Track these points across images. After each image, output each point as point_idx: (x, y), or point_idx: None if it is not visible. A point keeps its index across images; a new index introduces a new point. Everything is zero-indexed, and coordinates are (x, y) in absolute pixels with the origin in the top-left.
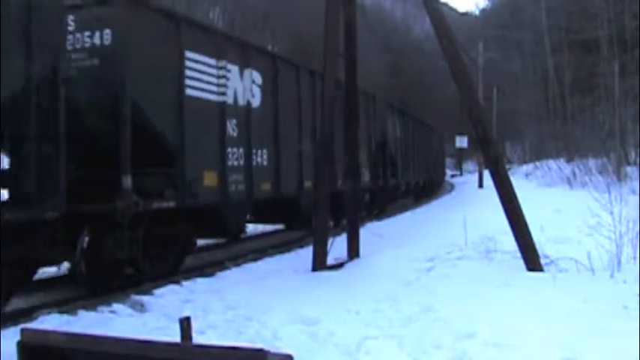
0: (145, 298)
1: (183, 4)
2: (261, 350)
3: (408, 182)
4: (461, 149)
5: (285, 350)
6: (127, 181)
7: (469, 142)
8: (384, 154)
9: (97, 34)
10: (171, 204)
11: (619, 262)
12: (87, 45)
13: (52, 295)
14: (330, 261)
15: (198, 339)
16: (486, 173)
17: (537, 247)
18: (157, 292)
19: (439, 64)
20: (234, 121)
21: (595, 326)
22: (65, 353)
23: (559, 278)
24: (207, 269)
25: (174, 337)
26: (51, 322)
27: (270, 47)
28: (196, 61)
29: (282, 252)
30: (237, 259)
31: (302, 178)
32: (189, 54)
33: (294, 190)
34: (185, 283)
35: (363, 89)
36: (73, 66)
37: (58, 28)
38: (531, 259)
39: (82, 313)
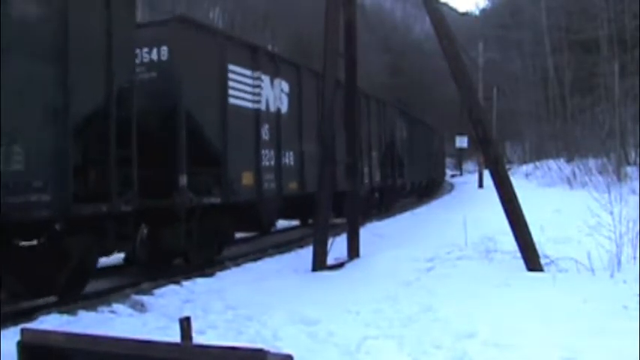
0: (145, 298)
1: (184, 5)
2: (261, 350)
3: (412, 182)
4: (461, 149)
5: (285, 350)
6: (183, 180)
7: (469, 142)
8: (393, 155)
9: (155, 50)
10: (218, 200)
11: (619, 262)
12: (146, 60)
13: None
14: (330, 261)
15: (198, 339)
16: (486, 173)
17: (537, 247)
18: (157, 292)
19: (439, 64)
20: (267, 126)
21: (595, 326)
22: (65, 353)
23: (559, 278)
24: (207, 269)
25: (174, 337)
26: (51, 322)
27: (270, 47)
28: (237, 73)
29: (282, 252)
30: (237, 259)
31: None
32: (231, 67)
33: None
34: (185, 283)
35: (375, 95)
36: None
37: (132, 47)
38: (531, 259)
39: (82, 313)
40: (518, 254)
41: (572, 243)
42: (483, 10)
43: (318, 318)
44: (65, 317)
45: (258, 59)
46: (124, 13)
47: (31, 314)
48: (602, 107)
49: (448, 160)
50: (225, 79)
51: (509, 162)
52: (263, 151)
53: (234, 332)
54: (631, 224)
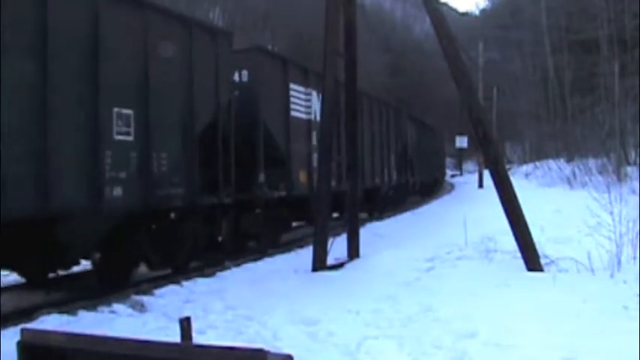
0: (145, 298)
1: (183, 5)
2: (261, 350)
3: (421, 181)
4: (461, 149)
5: (285, 350)
6: (262, 177)
7: (469, 142)
8: (405, 157)
9: (237, 73)
10: (283, 194)
11: (619, 262)
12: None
13: None
14: (330, 261)
15: (198, 339)
16: (486, 173)
17: (537, 247)
18: (157, 292)
19: (439, 64)
20: (315, 133)
21: (595, 326)
22: (65, 353)
23: (559, 278)
24: (207, 269)
25: (174, 337)
26: (51, 322)
27: (270, 47)
28: (295, 90)
29: (282, 252)
30: (237, 259)
31: (385, 174)
32: (291, 85)
33: (383, 183)
34: (185, 283)
35: (395, 104)
36: None
37: (230, 71)
38: (531, 259)
39: (82, 313)
40: (518, 254)
41: (572, 243)
42: (483, 10)
43: (318, 318)
44: (65, 317)
45: (309, 77)
46: (225, 44)
47: (31, 314)
48: (602, 107)
49: (448, 160)
50: (288, 95)
51: (509, 162)
52: (313, 154)
53: (234, 332)
54: (631, 224)
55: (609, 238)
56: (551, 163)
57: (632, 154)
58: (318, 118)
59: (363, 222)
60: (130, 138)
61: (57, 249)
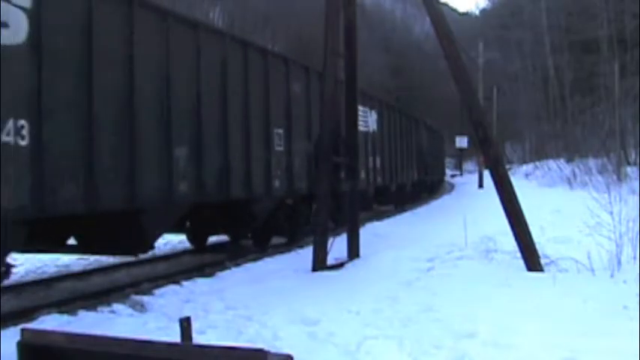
0: (145, 298)
1: (184, 5)
2: (261, 350)
3: (432, 180)
4: (461, 149)
5: (285, 350)
6: (362, 174)
7: (469, 142)
8: (421, 159)
9: None
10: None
11: (619, 262)
12: None
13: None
14: (330, 261)
15: (198, 339)
16: (486, 173)
17: (537, 247)
18: (157, 292)
19: (439, 64)
20: (370, 141)
21: (595, 326)
22: (65, 353)
23: (559, 278)
24: (207, 269)
25: (174, 337)
26: (51, 322)
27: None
28: (360, 110)
29: (282, 252)
30: (237, 259)
31: (396, 174)
32: (358, 107)
33: (407, 180)
34: (185, 283)
35: (413, 115)
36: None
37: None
38: (531, 259)
39: (82, 313)
40: (518, 254)
41: (572, 243)
42: (483, 10)
43: (318, 318)
44: (65, 317)
45: (366, 98)
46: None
47: (31, 314)
48: (602, 107)
49: (448, 160)
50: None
51: (509, 162)
52: (369, 158)
53: (234, 332)
54: (631, 224)
55: (609, 238)
56: (552, 163)
57: (632, 154)
58: (371, 129)
59: (364, 221)
60: (282, 149)
61: (246, 222)
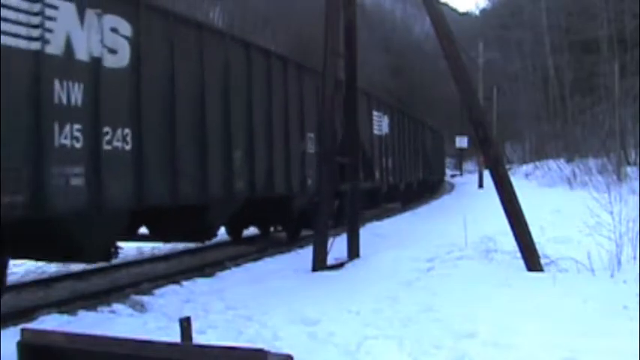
0: (145, 298)
1: (183, 5)
2: (261, 350)
3: (434, 179)
4: (461, 149)
5: (285, 350)
6: (377, 174)
7: (469, 142)
8: (425, 159)
9: None
10: (369, 185)
11: (619, 262)
12: None
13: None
14: (330, 261)
15: (198, 339)
16: (486, 173)
17: (537, 247)
18: (157, 292)
19: (439, 64)
20: (384, 144)
21: (595, 326)
22: (65, 353)
23: (559, 278)
24: (207, 269)
25: (174, 337)
26: (51, 322)
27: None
28: (375, 115)
29: (282, 252)
30: (237, 259)
31: (416, 172)
32: (374, 112)
33: (414, 179)
34: (185, 283)
35: (419, 118)
36: None
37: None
38: (531, 259)
39: (82, 313)
40: (518, 254)
41: (572, 243)
42: (483, 10)
43: (318, 318)
44: (65, 317)
45: (379, 104)
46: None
47: (31, 314)
48: (602, 107)
49: (448, 160)
50: (372, 119)
51: (510, 162)
52: (382, 159)
53: (234, 332)
54: (631, 224)
55: (609, 238)
56: (552, 163)
57: (632, 154)
58: (383, 132)
59: (364, 221)
60: (312, 151)
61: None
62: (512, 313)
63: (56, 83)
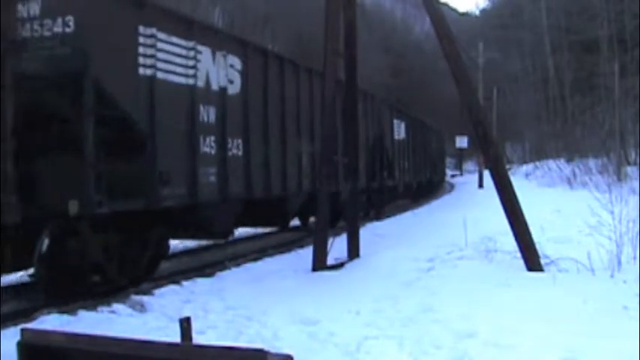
0: (145, 298)
1: (188, 6)
2: (261, 350)
3: (438, 178)
4: (461, 149)
5: (285, 350)
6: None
7: (469, 142)
8: (432, 160)
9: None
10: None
11: (619, 262)
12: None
13: None
14: (330, 261)
15: (198, 339)
16: (486, 173)
17: (537, 247)
18: (157, 292)
19: (439, 64)
20: (401, 147)
21: (595, 326)
22: (65, 353)
23: (559, 278)
24: (207, 269)
25: (174, 337)
26: (51, 322)
27: (270, 47)
28: (395, 122)
29: (282, 252)
30: (237, 259)
31: (425, 172)
32: (394, 120)
33: (423, 178)
34: (185, 283)
35: (431, 123)
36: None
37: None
38: (531, 259)
39: (82, 313)
40: (518, 254)
41: (572, 243)
42: (483, 10)
43: (318, 318)
44: (65, 317)
45: (399, 112)
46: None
47: (31, 314)
48: (602, 107)
49: (448, 160)
50: (393, 127)
51: (510, 162)
52: (400, 160)
53: (234, 332)
54: (631, 224)
55: (609, 238)
56: (551, 163)
57: (632, 154)
58: (400, 137)
59: (364, 222)
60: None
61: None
62: (512, 313)
63: (200, 107)
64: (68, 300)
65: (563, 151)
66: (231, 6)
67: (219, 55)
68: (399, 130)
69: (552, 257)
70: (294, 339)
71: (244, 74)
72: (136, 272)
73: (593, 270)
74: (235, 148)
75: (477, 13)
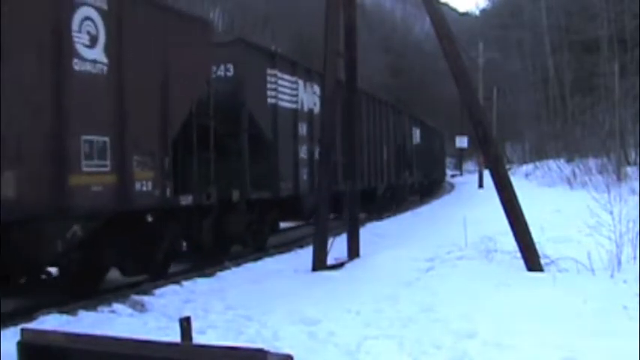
0: (145, 298)
1: (184, 4)
2: (261, 350)
3: (441, 177)
4: (461, 149)
5: (285, 350)
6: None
7: (469, 142)
8: (435, 159)
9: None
10: (412, 181)
11: (619, 262)
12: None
13: None
14: (330, 261)
15: (198, 339)
16: (486, 173)
17: (537, 247)
18: (157, 292)
19: (439, 64)
20: (416, 150)
21: (595, 326)
22: (65, 353)
23: (559, 278)
24: (207, 269)
25: (174, 337)
26: (51, 322)
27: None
28: (413, 129)
29: (282, 252)
30: (237, 259)
31: (433, 171)
32: (413, 128)
33: (432, 177)
34: (185, 283)
35: (434, 127)
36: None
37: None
38: (531, 259)
39: (82, 313)
40: (518, 254)
41: (572, 243)
42: (483, 10)
43: (318, 318)
44: (65, 317)
45: (416, 120)
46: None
47: (31, 314)
48: (602, 107)
49: (448, 160)
50: (412, 134)
51: (510, 162)
52: (416, 162)
53: (234, 332)
54: (631, 224)
55: (609, 238)
56: (551, 163)
57: (632, 154)
58: (419, 142)
59: (365, 221)
60: (385, 156)
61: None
62: (512, 313)
63: (299, 124)
64: (68, 300)
65: (563, 151)
66: (231, 6)
67: (308, 85)
68: (415, 136)
69: (552, 257)
70: (294, 339)
71: (321, 97)
72: (259, 242)
73: (593, 270)
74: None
75: (477, 13)
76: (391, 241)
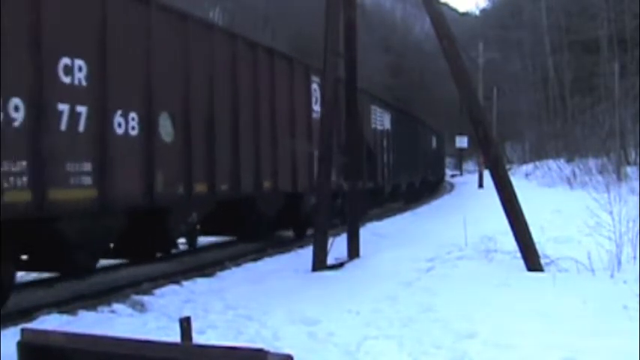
0: (145, 298)
1: (184, 4)
2: (261, 350)
3: (439, 177)
4: (461, 149)
5: (285, 350)
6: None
7: (469, 142)
8: (433, 159)
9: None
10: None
11: (619, 262)
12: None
13: None
14: (330, 261)
15: (198, 339)
16: (486, 173)
17: (537, 247)
18: (157, 292)
19: (439, 64)
20: (430, 154)
21: (595, 326)
22: (65, 353)
23: (559, 278)
24: (207, 269)
25: (175, 337)
26: (51, 322)
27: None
28: (431, 139)
29: (282, 252)
30: (237, 259)
31: (439, 171)
32: (432, 137)
33: (439, 176)
34: (185, 283)
35: (436, 129)
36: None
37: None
38: (531, 259)
39: (82, 313)
40: (518, 254)
41: (572, 243)
42: (483, 10)
43: (318, 318)
44: (65, 317)
45: (433, 131)
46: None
47: (31, 314)
48: (602, 107)
49: (448, 160)
50: (430, 142)
51: (510, 162)
52: (432, 163)
53: (234, 332)
54: (631, 224)
55: (609, 238)
56: (551, 163)
57: (632, 154)
58: (433, 146)
59: (364, 221)
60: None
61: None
62: (512, 313)
63: (383, 140)
64: (69, 300)
65: (563, 151)
66: (231, 5)
67: (385, 113)
68: (433, 143)
69: (552, 257)
70: (294, 339)
71: (392, 120)
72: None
73: (593, 270)
74: (390, 158)
75: (477, 13)
76: (391, 241)
